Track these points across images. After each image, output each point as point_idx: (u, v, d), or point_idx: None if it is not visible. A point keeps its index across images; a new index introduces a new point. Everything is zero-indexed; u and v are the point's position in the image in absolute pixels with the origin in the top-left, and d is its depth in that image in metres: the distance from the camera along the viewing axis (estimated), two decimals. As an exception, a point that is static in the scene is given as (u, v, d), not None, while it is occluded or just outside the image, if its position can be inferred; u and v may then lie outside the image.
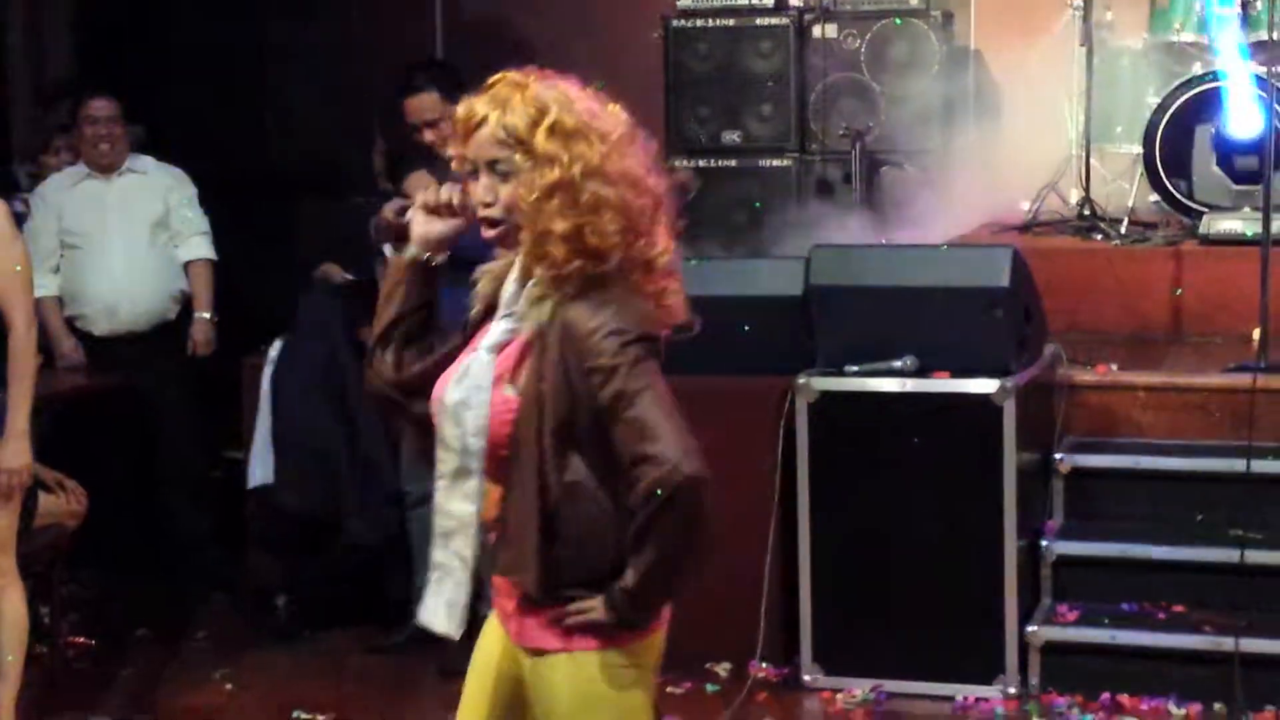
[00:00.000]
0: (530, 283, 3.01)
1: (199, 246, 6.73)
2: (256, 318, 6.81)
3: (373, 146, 7.37)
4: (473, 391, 3.00)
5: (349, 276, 6.52)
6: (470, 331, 3.13)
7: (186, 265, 6.71)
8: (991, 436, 5.54)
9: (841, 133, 7.58)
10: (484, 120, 2.98)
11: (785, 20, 7.87)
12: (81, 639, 6.25)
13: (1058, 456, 5.87)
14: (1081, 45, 7.58)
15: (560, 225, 2.94)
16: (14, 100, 8.13)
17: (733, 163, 7.71)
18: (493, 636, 3.20)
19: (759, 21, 7.89)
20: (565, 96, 2.99)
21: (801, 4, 7.94)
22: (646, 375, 2.97)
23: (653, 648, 3.11)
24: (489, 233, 3.03)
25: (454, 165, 3.07)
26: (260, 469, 6.28)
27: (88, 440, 6.35)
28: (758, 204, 7.62)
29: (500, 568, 3.07)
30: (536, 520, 2.97)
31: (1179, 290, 6.78)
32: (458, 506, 3.05)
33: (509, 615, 3.12)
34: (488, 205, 3.00)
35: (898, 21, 7.78)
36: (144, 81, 7.00)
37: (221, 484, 6.63)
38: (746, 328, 6.02)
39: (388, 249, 5.94)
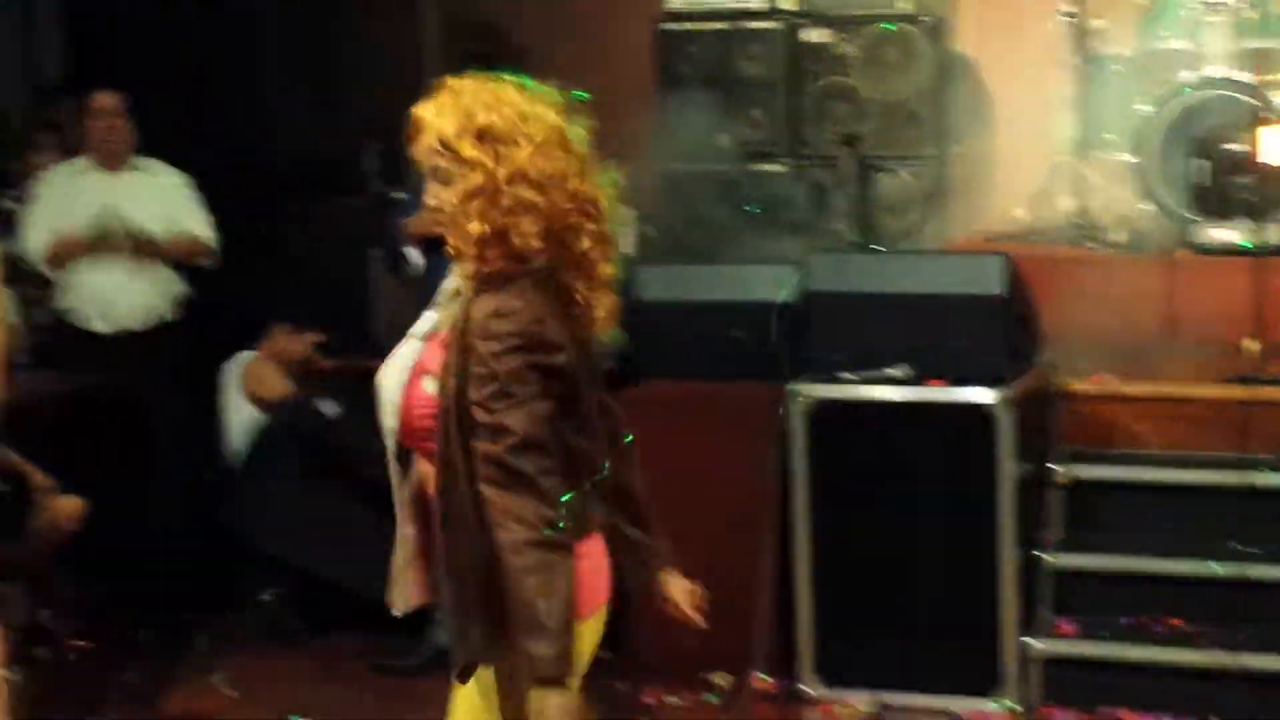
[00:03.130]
0: (452, 280, 3.17)
1: (207, 235, 6.64)
2: (243, 318, 6.77)
3: (362, 146, 7.32)
4: (394, 374, 3.16)
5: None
6: None
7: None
8: (987, 446, 5.54)
9: (833, 138, 7.53)
10: (424, 127, 3.12)
11: (776, 25, 7.81)
12: (83, 642, 6.20)
13: (1055, 467, 5.85)
14: (1072, 52, 7.56)
15: (477, 228, 3.06)
16: (4, 98, 8.08)
17: (724, 168, 7.67)
18: None
19: (750, 25, 7.83)
20: (495, 100, 3.11)
21: (793, 8, 7.88)
22: (520, 395, 3.03)
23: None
24: (441, 234, 3.15)
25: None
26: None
27: (85, 440, 6.30)
28: (750, 209, 7.57)
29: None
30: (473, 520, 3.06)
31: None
32: (395, 484, 3.23)
33: None
34: (435, 210, 3.13)
35: (889, 27, 7.73)
36: (133, 81, 6.94)
37: (215, 485, 6.58)
38: (740, 333, 6.01)
39: (410, 250, 5.90)
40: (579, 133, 3.18)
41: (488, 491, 3.05)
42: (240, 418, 6.46)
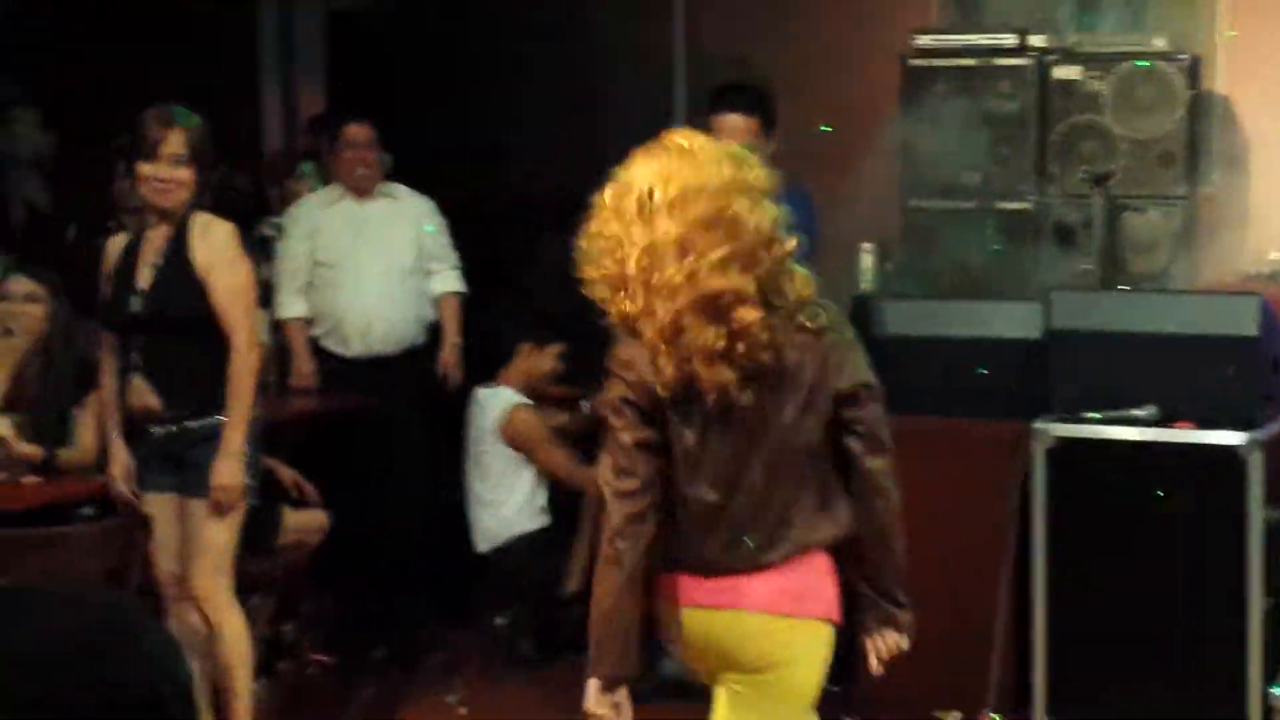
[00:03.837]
0: None
1: (451, 280, 6.83)
2: (490, 349, 6.89)
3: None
4: None
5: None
6: None
7: (437, 298, 6.81)
8: (1236, 490, 5.40)
9: (1082, 176, 7.42)
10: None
11: (1027, 61, 7.72)
12: (323, 656, 6.34)
13: (1306, 513, 5.69)
14: (1335, 92, 7.37)
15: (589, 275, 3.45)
16: (266, 128, 8.37)
17: (970, 204, 7.60)
18: None
19: (999, 62, 7.75)
20: (625, 168, 3.45)
21: (1044, 45, 7.80)
22: (615, 426, 3.49)
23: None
24: None
25: None
26: (480, 538, 6.43)
27: (332, 459, 6.46)
28: (996, 247, 7.50)
29: None
30: None
31: None
32: None
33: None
34: None
35: (1143, 64, 7.60)
36: (390, 110, 7.14)
37: (456, 507, 6.71)
38: (983, 370, 5.96)
39: None
40: (637, 204, 3.37)
41: None
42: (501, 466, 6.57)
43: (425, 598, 6.77)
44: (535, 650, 6.41)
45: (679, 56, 7.88)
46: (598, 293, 3.45)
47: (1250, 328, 5.58)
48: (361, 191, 6.79)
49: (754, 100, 5.86)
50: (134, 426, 5.09)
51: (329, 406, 6.53)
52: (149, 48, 7.77)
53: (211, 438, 5.01)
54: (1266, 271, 7.34)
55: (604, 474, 3.52)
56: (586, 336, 6.28)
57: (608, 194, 3.43)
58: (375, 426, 6.50)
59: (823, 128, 8.14)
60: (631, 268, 3.36)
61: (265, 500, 5.41)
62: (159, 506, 5.08)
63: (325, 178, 7.13)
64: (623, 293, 3.40)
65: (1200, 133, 7.68)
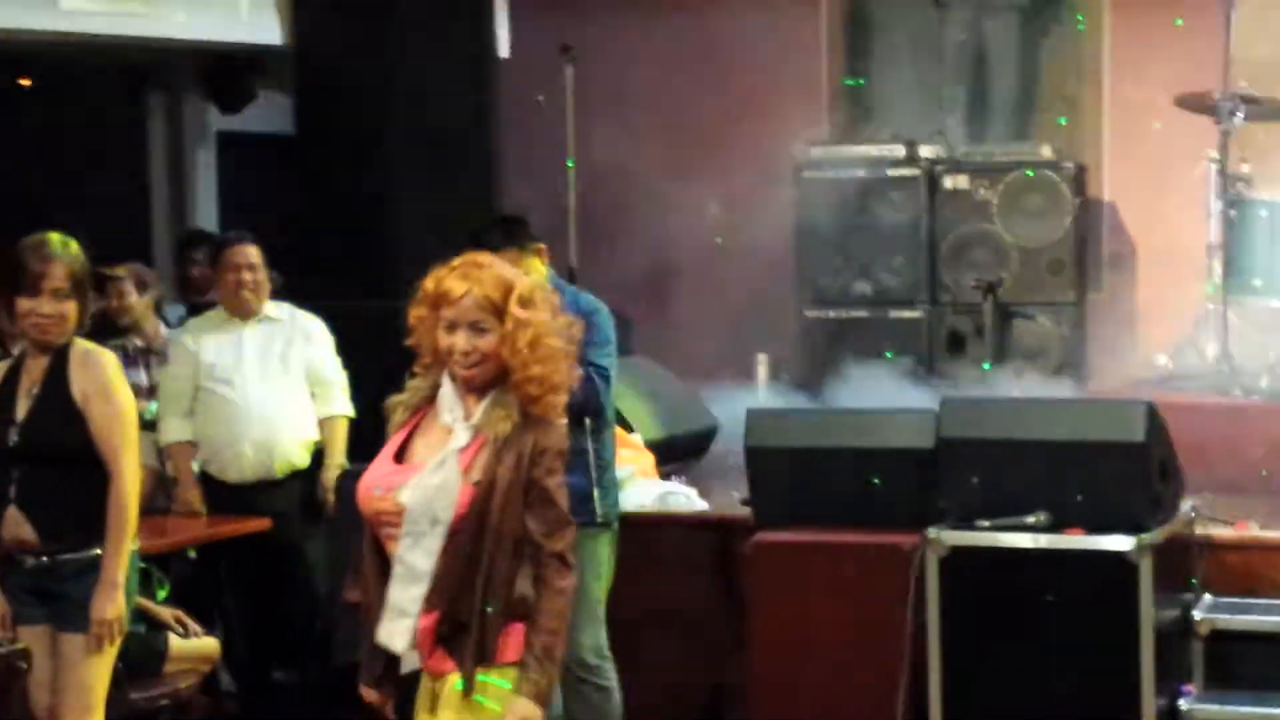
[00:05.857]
0: (488, 402, 3.81)
1: (338, 403, 6.69)
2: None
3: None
4: (450, 478, 3.80)
5: None
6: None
7: (323, 420, 6.69)
8: (1127, 595, 5.41)
9: (973, 284, 7.51)
10: (467, 292, 3.77)
11: (916, 171, 7.85)
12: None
13: (1197, 616, 5.72)
14: (1218, 197, 7.49)
15: (537, 370, 3.78)
16: (157, 249, 8.31)
17: (864, 314, 7.68)
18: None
19: (890, 173, 7.88)
20: (517, 274, 3.88)
21: (933, 155, 7.91)
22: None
23: None
24: (468, 373, 3.80)
25: (418, 323, 3.82)
26: None
27: (220, 586, 6.34)
28: (888, 355, 7.56)
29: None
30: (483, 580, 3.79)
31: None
32: (420, 562, 3.80)
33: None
34: (467, 354, 3.77)
35: (1029, 174, 7.72)
36: (279, 230, 7.09)
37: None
38: (877, 480, 5.97)
39: None
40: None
41: None
42: None
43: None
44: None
45: (569, 171, 7.92)
46: (566, 377, 3.89)
47: (1138, 433, 5.61)
48: (246, 313, 6.66)
49: (506, 233, 5.83)
50: (7, 557, 4.99)
51: (214, 532, 6.41)
52: (38, 166, 7.72)
53: (85, 571, 4.90)
54: (1156, 376, 7.43)
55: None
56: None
57: (549, 294, 3.91)
58: (266, 550, 6.39)
59: (717, 239, 8.21)
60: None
61: (149, 627, 5.28)
62: (31, 639, 4.96)
63: (189, 296, 7.02)
64: None
65: (1087, 239, 7.81)
